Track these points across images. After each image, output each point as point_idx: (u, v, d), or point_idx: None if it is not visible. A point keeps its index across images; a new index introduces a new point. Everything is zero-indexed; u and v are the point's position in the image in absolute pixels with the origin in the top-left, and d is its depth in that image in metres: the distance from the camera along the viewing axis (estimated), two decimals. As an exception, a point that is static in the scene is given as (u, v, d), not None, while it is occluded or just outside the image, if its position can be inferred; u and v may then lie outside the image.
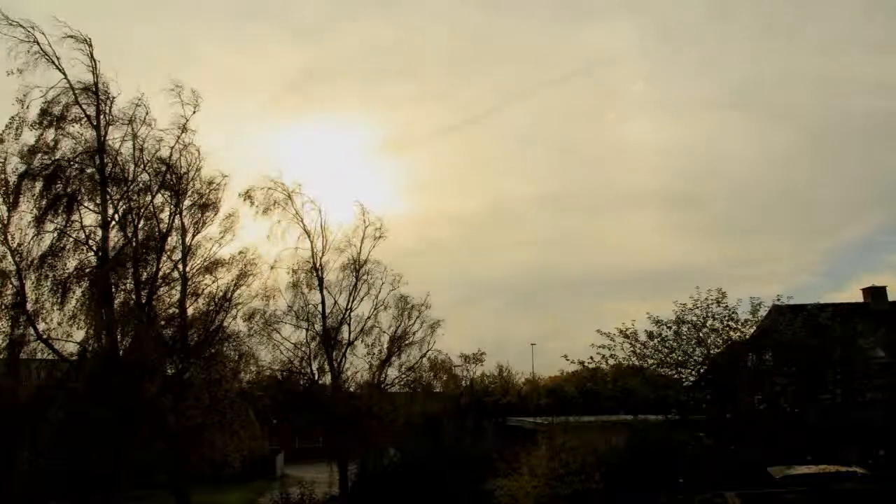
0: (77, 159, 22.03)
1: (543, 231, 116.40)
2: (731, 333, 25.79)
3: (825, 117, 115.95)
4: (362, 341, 30.96)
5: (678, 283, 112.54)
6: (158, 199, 23.67)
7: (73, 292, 21.39)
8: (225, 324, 25.51)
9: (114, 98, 22.53)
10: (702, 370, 26.38)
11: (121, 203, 22.70)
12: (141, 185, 23.20)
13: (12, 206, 21.11)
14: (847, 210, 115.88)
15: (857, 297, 35.32)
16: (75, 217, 21.98)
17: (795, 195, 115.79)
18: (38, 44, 21.28)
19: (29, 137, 21.52)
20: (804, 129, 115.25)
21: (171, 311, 23.94)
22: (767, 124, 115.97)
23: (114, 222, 22.52)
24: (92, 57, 22.00)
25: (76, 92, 21.96)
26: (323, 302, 30.66)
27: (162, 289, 23.71)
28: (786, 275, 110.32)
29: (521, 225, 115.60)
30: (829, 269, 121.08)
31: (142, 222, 23.21)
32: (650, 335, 26.28)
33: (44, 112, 21.52)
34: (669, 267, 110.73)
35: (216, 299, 25.37)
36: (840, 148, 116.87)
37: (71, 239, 21.87)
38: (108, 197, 22.26)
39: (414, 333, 31.43)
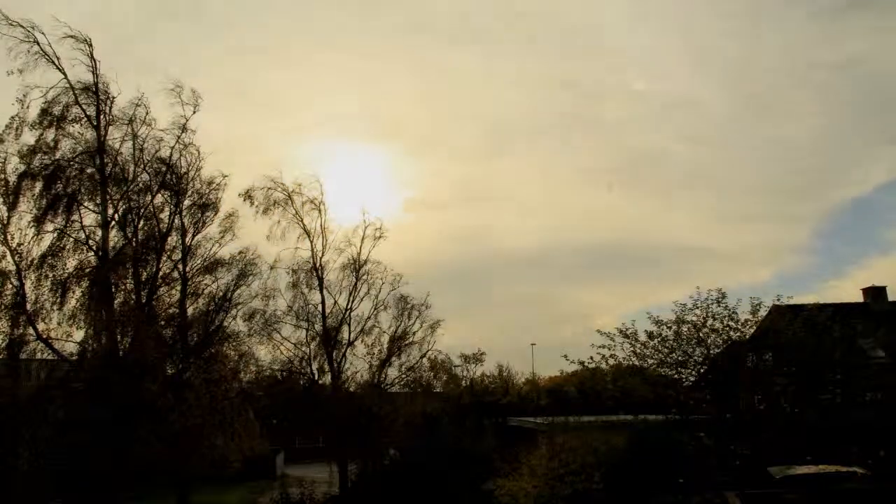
0: (77, 159, 22.07)
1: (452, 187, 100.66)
2: (731, 333, 25.72)
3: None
4: (362, 341, 31.05)
5: (641, 261, 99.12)
6: (158, 199, 23.80)
7: (73, 292, 21.47)
8: (225, 324, 25.62)
9: (114, 98, 22.66)
10: (702, 370, 26.33)
11: (121, 203, 22.75)
12: (141, 185, 23.29)
13: (12, 206, 21.17)
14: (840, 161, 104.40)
15: (857, 296, 35.36)
16: (75, 217, 22.06)
17: (776, 142, 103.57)
18: (38, 44, 21.36)
19: (29, 137, 21.63)
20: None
21: (171, 311, 24.01)
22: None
23: (114, 222, 22.56)
24: (92, 57, 22.10)
25: (76, 92, 22.00)
26: (323, 302, 30.72)
27: (162, 289, 23.79)
28: (774, 251, 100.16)
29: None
30: (823, 245, 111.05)
31: (142, 222, 23.29)
32: (650, 335, 26.21)
33: (44, 112, 21.57)
34: (624, 239, 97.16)
35: (216, 299, 25.46)
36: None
37: (71, 239, 21.92)
38: (108, 197, 22.30)
39: (414, 333, 31.53)
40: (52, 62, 21.56)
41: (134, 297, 22.59)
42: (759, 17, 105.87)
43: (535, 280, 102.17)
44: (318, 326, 30.56)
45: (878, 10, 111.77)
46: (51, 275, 21.26)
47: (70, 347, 21.75)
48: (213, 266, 25.52)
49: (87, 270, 21.82)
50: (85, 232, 22.18)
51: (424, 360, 31.82)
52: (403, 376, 31.66)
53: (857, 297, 35.19)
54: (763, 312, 26.49)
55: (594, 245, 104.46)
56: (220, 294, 25.72)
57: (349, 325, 30.94)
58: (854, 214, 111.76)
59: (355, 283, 31.00)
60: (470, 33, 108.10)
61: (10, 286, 20.92)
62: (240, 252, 26.62)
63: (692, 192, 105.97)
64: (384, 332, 31.32)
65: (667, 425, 25.55)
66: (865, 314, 30.69)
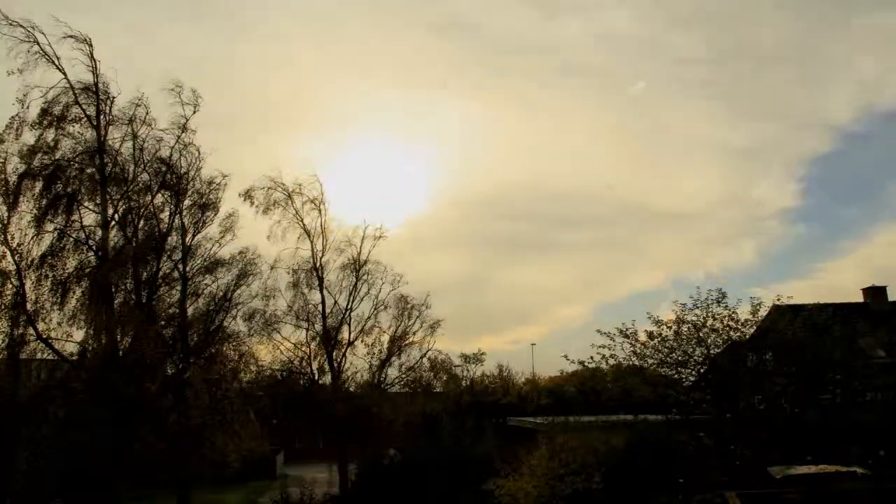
0: (77, 159, 22.05)
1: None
2: (731, 333, 25.73)
3: None
4: (362, 341, 31.08)
5: (573, 222, 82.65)
6: (158, 199, 23.79)
7: (73, 292, 21.44)
8: (225, 324, 25.62)
9: (114, 98, 22.62)
10: (702, 370, 26.35)
11: (121, 203, 22.73)
12: (141, 185, 23.26)
13: (12, 206, 21.13)
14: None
15: (858, 294, 35.45)
16: (75, 217, 22.03)
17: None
18: (38, 44, 21.32)
19: (29, 137, 21.58)
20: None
21: (171, 311, 24.02)
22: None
23: (114, 222, 22.55)
24: (92, 57, 22.07)
25: (76, 92, 21.98)
26: (323, 302, 30.74)
27: (162, 289, 23.80)
28: (754, 215, 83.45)
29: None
30: (813, 204, 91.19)
31: (142, 222, 23.29)
32: (650, 335, 26.24)
33: (44, 112, 21.54)
34: (538, 185, 77.57)
35: (216, 299, 25.48)
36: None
37: (71, 239, 21.90)
38: (108, 197, 22.27)
39: (414, 333, 31.55)
40: (52, 62, 21.55)
41: (134, 297, 22.58)
42: None
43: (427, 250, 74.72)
44: (318, 326, 30.61)
45: None
46: (51, 275, 21.25)
47: (70, 347, 21.78)
48: (213, 266, 25.54)
49: (87, 270, 21.81)
50: (85, 232, 22.18)
51: (424, 360, 31.89)
52: (403, 376, 31.70)
53: (858, 294, 35.42)
54: (763, 312, 26.52)
55: (498, 197, 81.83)
56: (220, 294, 25.75)
57: (349, 325, 31.02)
58: (849, 156, 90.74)
59: (355, 283, 31.07)
60: None
61: (10, 286, 20.89)
62: (240, 252, 26.69)
63: (610, 112, 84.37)
64: (384, 332, 31.39)
65: (667, 425, 25.55)
66: (865, 314, 30.72)
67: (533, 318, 78.25)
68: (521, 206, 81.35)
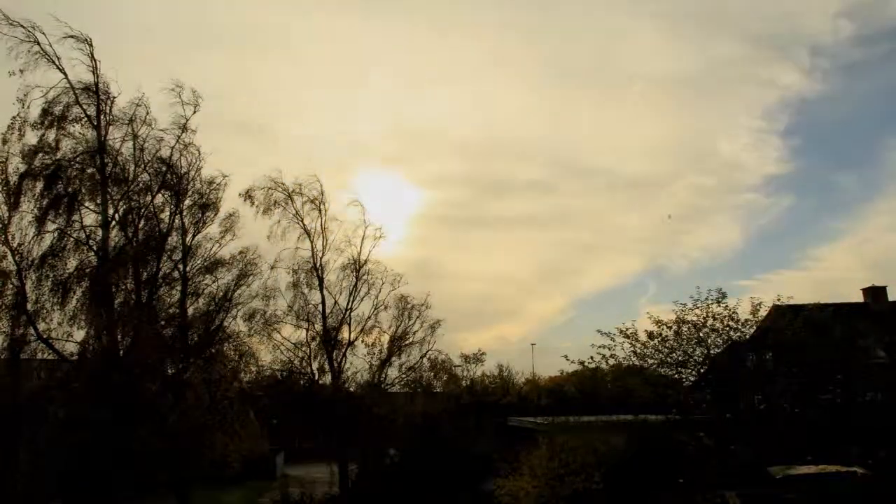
0: (78, 159, 22.06)
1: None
2: (731, 333, 25.77)
3: None
4: (362, 341, 31.06)
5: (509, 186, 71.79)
6: (159, 199, 23.78)
7: (74, 292, 21.43)
8: (225, 324, 25.61)
9: (114, 98, 22.63)
10: (702, 370, 26.37)
11: (121, 203, 22.74)
12: (141, 185, 23.27)
13: (13, 206, 21.12)
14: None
15: (857, 294, 35.56)
16: (76, 217, 22.02)
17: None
18: (38, 44, 21.32)
19: (30, 137, 21.58)
20: None
21: (171, 311, 24.01)
22: None
23: (114, 222, 22.56)
24: (92, 57, 22.07)
25: (77, 92, 21.99)
26: (323, 302, 30.73)
27: (162, 289, 23.79)
28: (730, 181, 70.99)
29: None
30: (801, 167, 74.93)
31: (142, 222, 23.28)
32: (650, 335, 26.28)
33: (45, 112, 21.56)
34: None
35: (216, 299, 25.48)
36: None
37: (71, 239, 21.90)
38: (108, 197, 22.28)
39: (414, 333, 31.53)
40: (53, 62, 21.54)
41: (134, 297, 22.58)
42: None
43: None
44: (318, 326, 30.59)
45: None
46: (51, 275, 21.26)
47: (70, 347, 21.74)
48: (213, 266, 25.54)
49: (88, 270, 21.81)
50: (85, 232, 22.18)
51: (425, 360, 31.85)
52: (403, 376, 31.67)
53: (858, 292, 35.53)
54: (763, 312, 26.54)
55: (407, 153, 70.05)
56: (221, 294, 25.74)
57: (349, 325, 30.98)
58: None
59: (355, 283, 31.04)
60: None
61: (10, 286, 20.89)
62: (240, 252, 26.68)
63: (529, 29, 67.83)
64: (384, 332, 31.37)
65: (667, 425, 25.56)
66: (865, 314, 30.74)
67: (510, 316, 71.82)
68: (440, 168, 67.16)
